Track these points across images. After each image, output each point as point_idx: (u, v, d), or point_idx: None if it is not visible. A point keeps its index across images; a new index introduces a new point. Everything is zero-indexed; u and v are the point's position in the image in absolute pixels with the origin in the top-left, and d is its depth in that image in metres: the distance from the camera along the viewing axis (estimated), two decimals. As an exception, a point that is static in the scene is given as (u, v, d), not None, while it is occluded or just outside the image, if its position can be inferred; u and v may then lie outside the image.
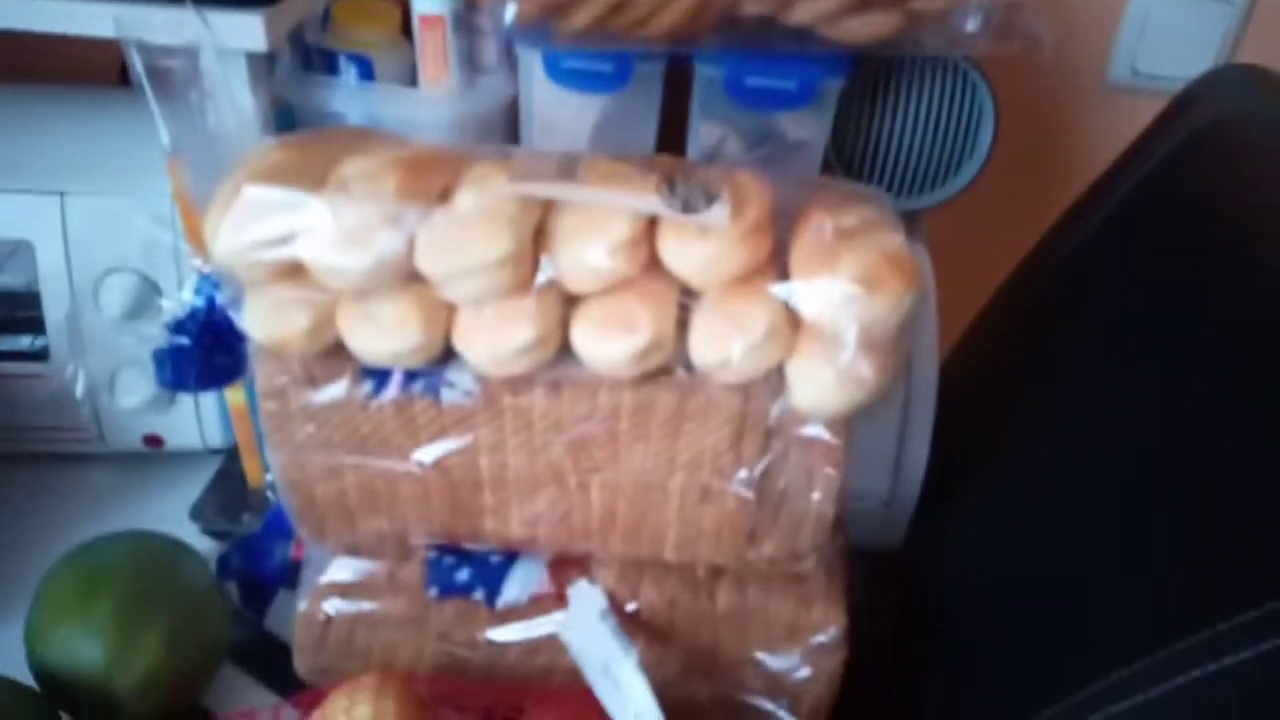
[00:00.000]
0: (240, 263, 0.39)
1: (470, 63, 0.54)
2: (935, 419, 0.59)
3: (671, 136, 0.57)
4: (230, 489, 0.62)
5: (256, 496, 0.61)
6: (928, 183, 0.59)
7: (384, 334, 0.39)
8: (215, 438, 0.62)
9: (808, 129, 0.55)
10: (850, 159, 0.57)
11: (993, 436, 0.60)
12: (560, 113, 0.53)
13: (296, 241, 0.38)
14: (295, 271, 0.39)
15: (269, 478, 0.61)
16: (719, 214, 0.37)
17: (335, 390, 0.41)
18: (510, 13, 0.45)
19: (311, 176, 0.39)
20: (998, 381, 0.63)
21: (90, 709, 0.45)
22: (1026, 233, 0.65)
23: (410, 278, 0.39)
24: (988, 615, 0.50)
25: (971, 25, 0.50)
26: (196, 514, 0.59)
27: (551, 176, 0.39)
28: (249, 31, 0.46)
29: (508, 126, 0.56)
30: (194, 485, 0.62)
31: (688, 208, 0.37)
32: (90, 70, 0.67)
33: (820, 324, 0.39)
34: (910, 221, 0.62)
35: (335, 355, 0.41)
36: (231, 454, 0.63)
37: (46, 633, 0.46)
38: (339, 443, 0.43)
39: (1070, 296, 0.58)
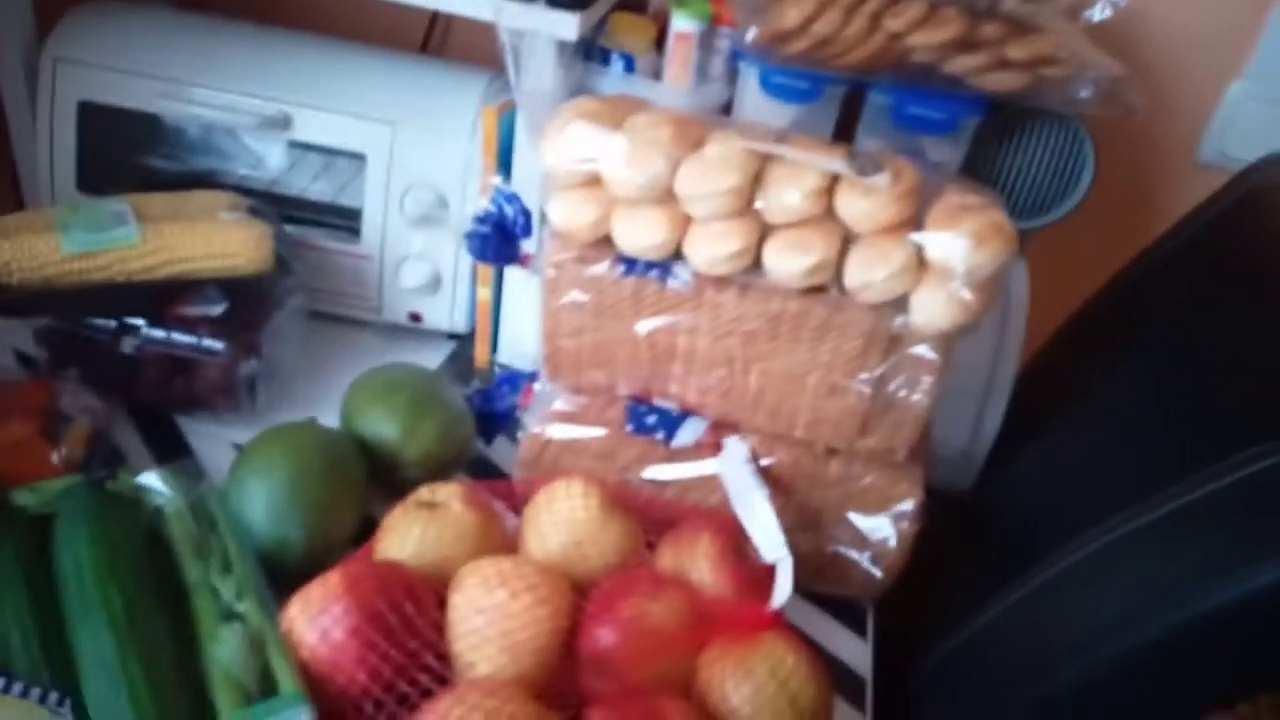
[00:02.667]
0: (559, 170, 0.60)
1: (702, 71, 0.75)
2: (1012, 392, 0.76)
3: (850, 131, 0.76)
4: (462, 364, 0.83)
5: (481, 372, 0.82)
6: (1035, 209, 0.77)
7: (642, 231, 0.59)
8: (460, 324, 0.83)
9: (946, 153, 0.73)
10: (976, 181, 0.76)
11: (1052, 409, 0.77)
12: (762, 116, 0.73)
13: (599, 161, 0.59)
14: (593, 182, 0.60)
15: (494, 357, 0.82)
16: (882, 179, 0.56)
17: (600, 267, 0.61)
18: (751, 34, 0.65)
19: (612, 120, 0.60)
20: (1064, 372, 0.80)
21: (383, 469, 0.66)
22: (1110, 268, 0.82)
23: (667, 196, 0.59)
24: (1028, 517, 0.66)
25: (1084, 92, 0.68)
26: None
27: (770, 140, 0.59)
28: (567, 25, 0.67)
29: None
30: (436, 357, 0.83)
31: (862, 172, 0.56)
32: (394, 38, 0.90)
33: (941, 264, 0.57)
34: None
35: (604, 243, 0.61)
36: (465, 340, 0.84)
37: (360, 413, 0.67)
38: (589, 307, 0.63)
39: (1128, 314, 0.75)
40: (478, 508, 0.59)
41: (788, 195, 0.58)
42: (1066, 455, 0.74)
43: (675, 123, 0.59)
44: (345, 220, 0.82)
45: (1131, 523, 0.58)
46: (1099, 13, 0.68)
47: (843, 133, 0.75)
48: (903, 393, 0.62)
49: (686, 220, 0.60)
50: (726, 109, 0.76)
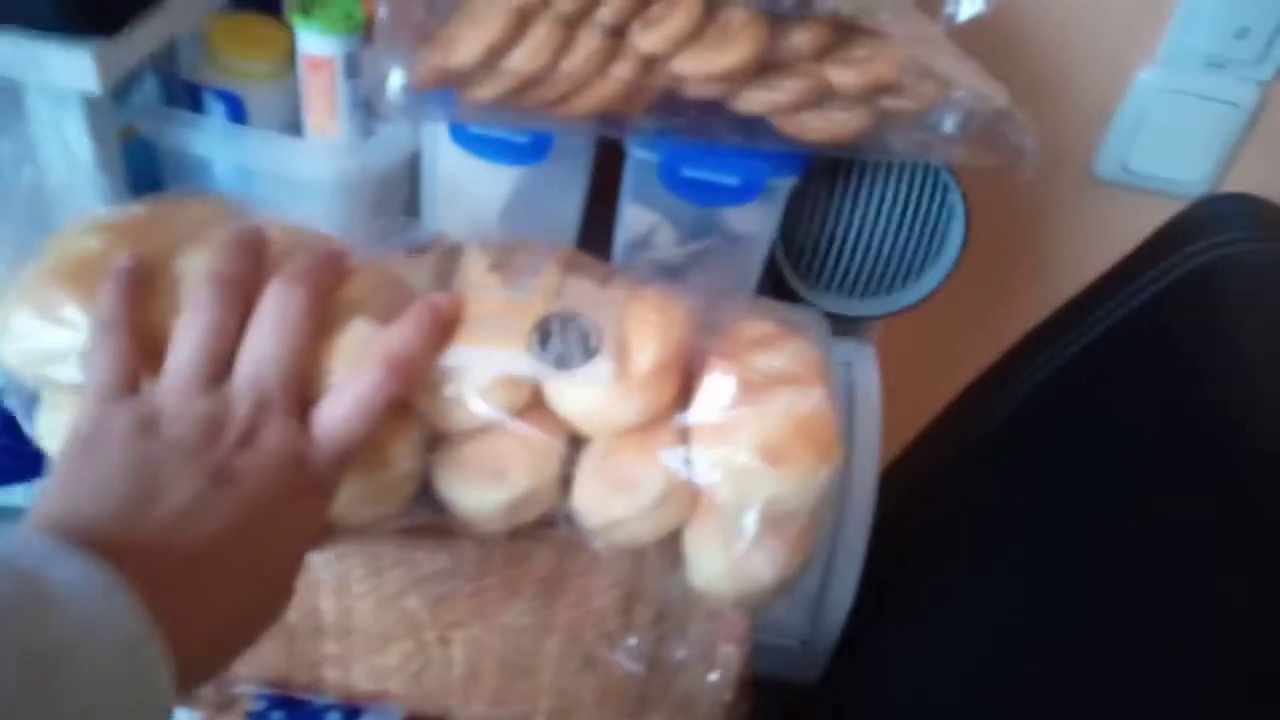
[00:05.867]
0: (28, 371, 0.34)
1: (366, 110, 0.49)
2: (868, 547, 0.55)
3: (603, 214, 0.52)
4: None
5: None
6: (885, 286, 0.55)
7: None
8: None
9: (752, 223, 0.51)
10: (800, 256, 0.53)
11: (930, 565, 0.57)
12: (468, 180, 0.49)
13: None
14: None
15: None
16: (599, 371, 0.33)
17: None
18: (397, 80, 0.40)
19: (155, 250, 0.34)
20: (944, 507, 0.60)
21: None
22: (990, 334, 0.62)
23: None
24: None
25: (947, 128, 0.46)
26: None
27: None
28: (78, 68, 0.40)
29: (409, 186, 0.51)
30: None
31: (562, 363, 0.33)
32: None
33: (718, 498, 0.34)
34: (858, 321, 0.58)
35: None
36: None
37: None
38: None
39: (1032, 429, 0.55)
40: None
41: (457, 392, 0.34)
42: (952, 637, 0.55)
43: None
44: None
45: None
46: (967, 7, 0.46)
47: (605, 199, 0.51)
48: (694, 665, 0.40)
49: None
50: (416, 166, 0.51)
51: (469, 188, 0.49)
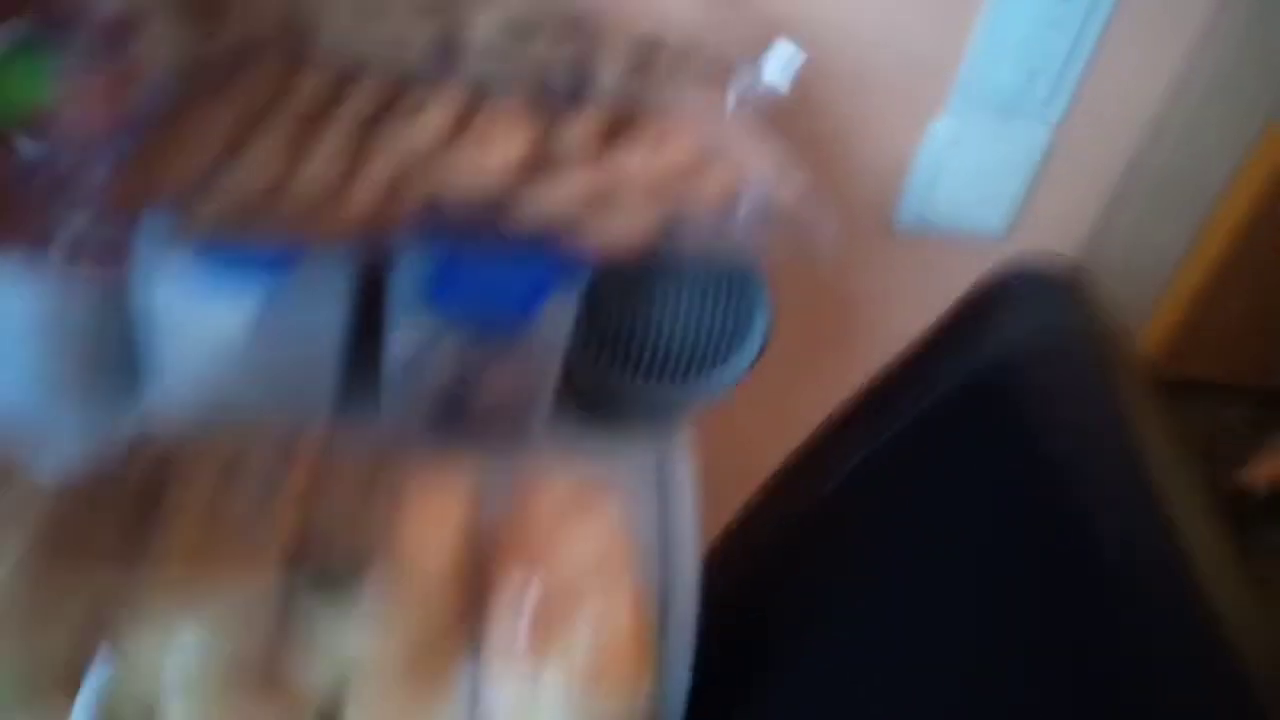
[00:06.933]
0: None
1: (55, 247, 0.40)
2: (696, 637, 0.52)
3: (373, 322, 0.45)
4: None
5: None
6: (695, 369, 0.52)
7: None
8: None
9: (544, 323, 0.45)
10: (601, 348, 0.49)
11: (763, 646, 0.54)
12: (197, 312, 0.41)
13: None
14: None
15: None
16: (369, 591, 0.27)
17: None
18: (80, 218, 0.32)
19: None
20: (772, 586, 0.58)
21: None
22: (814, 394, 0.60)
23: None
24: None
25: (740, 230, 0.43)
26: None
27: (116, 533, 0.27)
28: None
29: (119, 321, 0.42)
30: None
31: (323, 584, 0.27)
32: None
33: (524, 726, 0.30)
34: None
35: None
36: None
37: None
38: None
39: (850, 512, 0.53)
40: None
41: (170, 652, 0.27)
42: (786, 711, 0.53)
43: None
44: None
45: None
46: (747, 91, 0.43)
47: (372, 306, 0.44)
48: None
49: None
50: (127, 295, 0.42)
51: (199, 321, 0.41)
